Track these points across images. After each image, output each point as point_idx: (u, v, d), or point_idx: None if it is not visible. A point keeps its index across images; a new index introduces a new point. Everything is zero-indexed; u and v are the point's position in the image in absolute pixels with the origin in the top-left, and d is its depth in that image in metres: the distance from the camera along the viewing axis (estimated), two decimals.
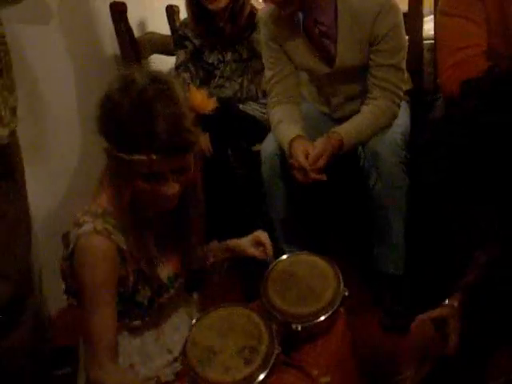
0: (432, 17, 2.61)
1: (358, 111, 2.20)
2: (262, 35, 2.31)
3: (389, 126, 2.15)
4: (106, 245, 1.28)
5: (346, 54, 2.17)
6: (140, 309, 1.38)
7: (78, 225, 1.30)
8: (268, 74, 2.33)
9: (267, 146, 2.28)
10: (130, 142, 1.19)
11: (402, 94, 2.18)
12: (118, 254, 1.30)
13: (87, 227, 1.28)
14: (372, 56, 2.15)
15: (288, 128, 2.19)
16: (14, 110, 1.78)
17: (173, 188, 1.27)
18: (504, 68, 0.96)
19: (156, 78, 1.23)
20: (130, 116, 1.18)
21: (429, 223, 1.85)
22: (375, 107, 2.15)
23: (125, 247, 1.30)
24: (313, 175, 2.00)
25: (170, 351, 1.45)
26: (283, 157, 2.18)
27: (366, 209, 2.22)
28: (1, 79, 1.70)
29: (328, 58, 2.22)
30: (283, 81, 2.32)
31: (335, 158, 2.06)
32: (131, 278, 1.34)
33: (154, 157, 1.19)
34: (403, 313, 2.13)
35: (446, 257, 1.75)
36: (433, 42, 2.56)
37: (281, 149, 2.19)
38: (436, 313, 1.31)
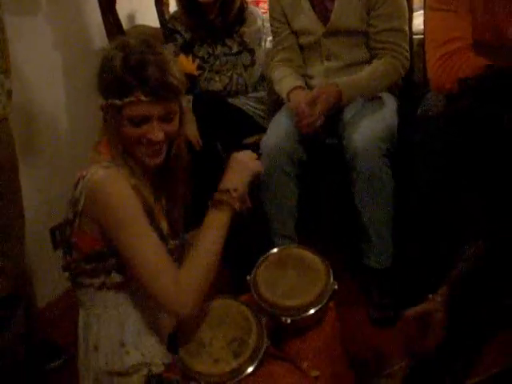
0: (422, 12, 2.61)
1: None
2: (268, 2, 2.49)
3: (395, 81, 2.27)
4: (120, 174, 1.34)
5: (342, 13, 2.27)
6: None
7: (83, 176, 1.34)
8: (274, 41, 2.54)
9: (267, 140, 2.30)
10: (123, 87, 1.32)
11: (406, 53, 2.26)
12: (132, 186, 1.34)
13: (94, 169, 1.33)
14: (372, 22, 2.25)
15: (290, 81, 2.36)
16: (9, 94, 1.78)
17: (157, 133, 1.35)
18: (501, 66, 0.96)
19: (146, 40, 1.39)
20: (123, 65, 1.32)
21: (419, 218, 1.86)
22: (375, 62, 2.26)
23: (132, 183, 1.34)
24: (311, 119, 2.11)
25: (159, 334, 1.44)
26: (283, 150, 2.23)
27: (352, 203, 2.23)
28: None
29: (324, 16, 2.33)
30: (286, 49, 2.48)
31: (335, 108, 2.18)
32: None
33: (143, 98, 1.31)
34: (390, 306, 2.15)
35: (434, 251, 1.76)
36: (422, 36, 2.56)
37: (281, 142, 2.24)
38: (421, 308, 1.31)
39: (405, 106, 2.36)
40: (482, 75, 0.98)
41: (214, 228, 1.38)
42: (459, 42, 1.89)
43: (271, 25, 2.54)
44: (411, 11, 2.50)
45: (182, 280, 1.30)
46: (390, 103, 2.31)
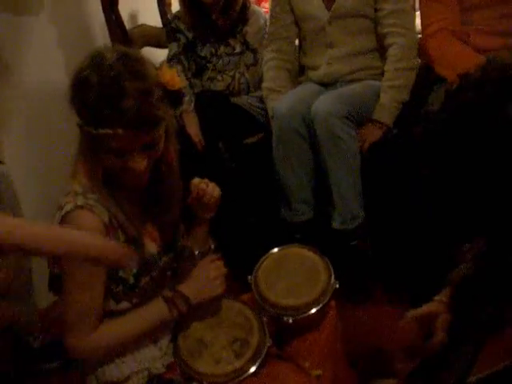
0: None
1: (351, 71, 2.42)
2: None
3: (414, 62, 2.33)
4: (90, 218, 1.27)
5: None
6: (125, 286, 1.36)
7: (60, 208, 1.29)
8: (270, 29, 2.57)
9: (281, 104, 2.36)
10: (97, 116, 1.19)
11: (416, 36, 2.34)
12: (103, 229, 1.29)
13: (69, 206, 1.28)
14: (378, 5, 2.31)
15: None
16: None
17: (139, 164, 1.26)
18: (502, 60, 0.96)
19: (125, 55, 1.24)
20: (98, 92, 1.19)
21: (420, 215, 1.86)
22: (392, 59, 2.33)
23: (107, 221, 1.29)
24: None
25: (157, 344, 1.45)
26: (296, 112, 2.30)
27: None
28: None
29: (329, 0, 2.38)
30: (283, 40, 2.55)
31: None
32: None
33: (120, 131, 1.19)
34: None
35: (434, 250, 1.76)
36: None
37: (294, 105, 2.31)
38: (425, 309, 1.31)
39: (408, 104, 2.37)
40: (482, 69, 0.98)
41: (152, 318, 1.40)
42: (436, 25, 2.19)
43: (272, 11, 2.56)
44: (413, 11, 2.51)
45: (95, 335, 1.33)
46: (368, 86, 2.38)
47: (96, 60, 1.23)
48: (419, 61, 2.34)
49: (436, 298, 1.32)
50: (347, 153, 2.21)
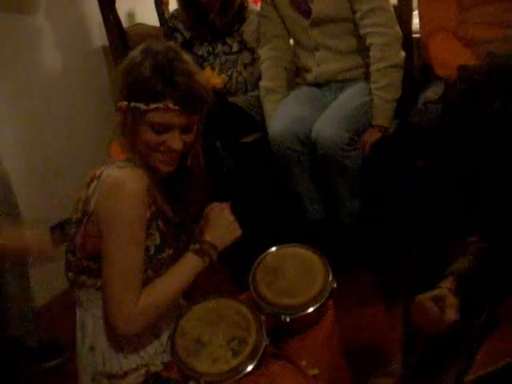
0: None
1: (341, 70, 2.47)
2: None
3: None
4: (135, 175, 1.31)
5: (322, 4, 2.34)
6: (146, 255, 1.36)
7: (94, 176, 1.33)
8: (262, 28, 2.60)
9: (274, 126, 2.40)
10: (151, 92, 1.30)
11: (396, 32, 2.33)
12: (145, 187, 1.32)
13: (109, 169, 1.32)
14: (355, 6, 2.32)
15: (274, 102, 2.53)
16: None
17: (177, 142, 1.35)
18: (502, 53, 0.96)
19: (172, 47, 1.38)
20: (153, 71, 1.30)
21: (419, 209, 1.86)
22: (372, 60, 2.33)
23: (148, 182, 1.33)
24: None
25: (159, 338, 1.45)
26: (289, 132, 2.34)
27: None
28: None
29: (306, 10, 2.41)
30: (276, 38, 2.58)
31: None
32: (148, 215, 1.34)
33: (171, 105, 1.30)
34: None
35: (435, 241, 1.76)
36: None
37: (286, 125, 2.35)
38: (434, 292, 1.31)
39: (406, 104, 2.37)
40: (482, 63, 0.98)
41: (187, 271, 1.42)
42: (435, 22, 2.20)
43: (262, 10, 2.60)
44: (411, 10, 2.51)
45: (140, 303, 1.32)
46: (363, 94, 2.39)
47: (149, 48, 1.35)
48: (403, 55, 2.33)
49: (442, 284, 1.32)
50: (349, 170, 2.28)
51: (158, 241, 1.39)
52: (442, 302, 1.29)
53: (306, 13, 2.41)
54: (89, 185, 1.33)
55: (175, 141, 1.34)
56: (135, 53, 1.36)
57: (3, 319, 1.89)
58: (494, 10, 2.13)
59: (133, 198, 1.29)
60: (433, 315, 1.29)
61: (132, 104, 1.32)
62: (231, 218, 1.50)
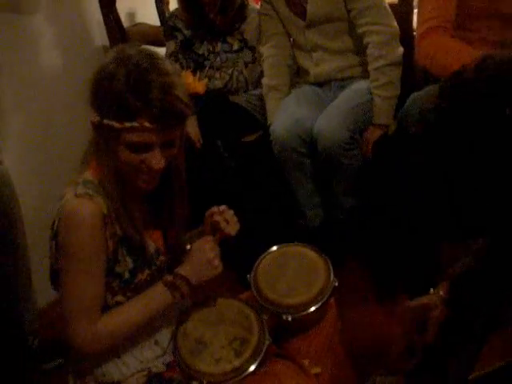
0: None
1: (340, 68, 2.47)
2: None
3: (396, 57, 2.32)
4: (89, 206, 1.25)
5: (316, 5, 2.34)
6: (120, 281, 1.35)
7: (61, 198, 1.29)
8: (263, 26, 2.61)
9: (277, 126, 2.38)
10: (124, 109, 1.20)
11: (394, 29, 2.31)
12: (101, 218, 1.28)
13: (68, 195, 1.27)
14: (349, 5, 2.31)
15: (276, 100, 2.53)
16: None
17: (159, 161, 1.27)
18: (497, 58, 0.95)
19: (148, 53, 1.26)
20: (126, 85, 1.19)
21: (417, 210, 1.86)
22: (370, 59, 2.33)
23: (106, 212, 1.28)
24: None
25: (157, 342, 1.45)
26: (292, 133, 2.32)
27: None
28: None
29: (302, 12, 2.41)
30: (276, 35, 2.58)
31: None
32: (110, 245, 1.31)
33: (146, 124, 1.20)
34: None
35: (431, 246, 1.76)
36: None
37: (289, 126, 2.33)
38: (421, 301, 1.32)
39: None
40: (476, 67, 0.97)
41: (156, 303, 1.38)
42: (437, 20, 2.05)
43: (261, 8, 2.61)
44: (412, 8, 2.50)
45: (99, 326, 1.31)
46: (366, 89, 2.39)
47: (122, 56, 1.23)
48: (401, 51, 2.32)
49: (432, 291, 1.33)
50: (348, 169, 2.29)
51: (130, 265, 1.37)
52: (426, 313, 1.30)
53: (302, 14, 2.42)
54: (58, 201, 1.30)
55: (156, 160, 1.26)
56: (107, 60, 1.25)
57: (19, 317, 1.89)
58: (499, 23, 2.05)
59: (84, 230, 1.25)
60: (411, 329, 1.30)
61: (105, 121, 1.22)
62: (212, 254, 1.41)
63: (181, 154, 1.38)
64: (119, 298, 1.37)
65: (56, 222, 1.29)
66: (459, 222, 1.05)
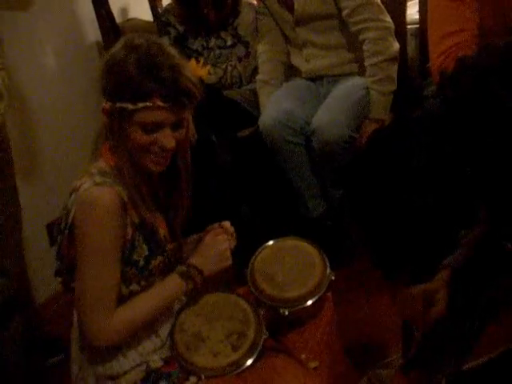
0: (416, 1, 2.60)
1: (332, 65, 2.47)
2: None
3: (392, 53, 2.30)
4: (110, 194, 1.28)
5: (304, 2, 2.35)
6: (136, 268, 1.37)
7: (76, 188, 1.30)
8: (259, 23, 2.62)
9: (265, 117, 2.39)
10: (137, 91, 1.25)
11: (385, 23, 2.30)
12: (121, 205, 1.30)
13: (86, 184, 1.29)
14: (340, 4, 2.31)
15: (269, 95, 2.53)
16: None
17: (170, 141, 1.31)
18: (500, 44, 0.95)
19: (156, 41, 1.32)
20: (138, 68, 1.24)
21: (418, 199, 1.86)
22: (366, 55, 2.32)
23: (125, 198, 1.30)
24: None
25: (157, 335, 1.44)
26: (282, 123, 2.33)
27: None
28: None
29: (291, 7, 2.41)
30: (271, 32, 2.59)
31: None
32: (130, 232, 1.33)
33: (159, 103, 1.25)
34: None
35: (431, 236, 1.76)
36: (417, 26, 2.56)
37: (278, 116, 2.34)
38: (426, 286, 1.32)
39: (402, 97, 2.37)
40: (480, 54, 0.96)
41: (169, 292, 1.42)
42: (463, 35, 1.80)
43: (257, 6, 2.64)
44: (404, 2, 2.50)
45: (115, 318, 1.32)
46: (362, 86, 2.38)
47: (131, 44, 1.29)
48: (397, 46, 2.30)
49: (436, 277, 1.33)
50: (339, 163, 2.28)
51: (146, 252, 1.38)
52: (432, 295, 1.30)
53: (292, 10, 2.41)
54: (70, 195, 1.31)
55: (168, 139, 1.30)
56: (117, 48, 1.30)
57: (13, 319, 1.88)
58: None
59: (105, 219, 1.27)
60: (418, 310, 1.30)
61: (118, 104, 1.27)
62: (224, 246, 1.47)
63: (186, 140, 1.42)
64: (133, 287, 1.38)
65: (72, 213, 1.29)
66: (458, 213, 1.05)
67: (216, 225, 1.54)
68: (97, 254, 1.28)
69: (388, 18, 2.30)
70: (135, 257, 1.36)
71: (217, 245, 1.47)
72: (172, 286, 1.41)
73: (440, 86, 1.03)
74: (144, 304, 1.37)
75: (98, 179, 1.29)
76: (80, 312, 1.32)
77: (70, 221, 1.30)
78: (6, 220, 1.83)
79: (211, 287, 1.53)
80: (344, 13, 2.31)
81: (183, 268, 1.42)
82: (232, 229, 1.54)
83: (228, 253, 1.47)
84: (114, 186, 1.29)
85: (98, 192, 1.27)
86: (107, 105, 1.29)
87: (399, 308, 1.40)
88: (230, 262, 1.47)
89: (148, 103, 1.25)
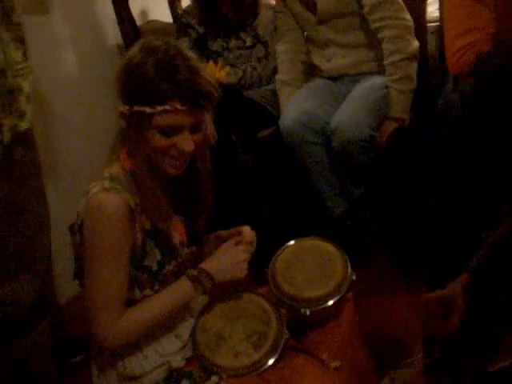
0: None
1: (353, 64, 2.46)
2: None
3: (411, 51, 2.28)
4: (117, 200, 1.27)
5: (327, 1, 2.34)
6: (148, 274, 1.37)
7: (87, 192, 1.31)
8: (279, 23, 2.61)
9: (285, 117, 2.40)
10: (155, 94, 1.24)
11: (405, 21, 2.28)
12: (128, 212, 1.29)
13: (95, 189, 1.29)
14: (362, 1, 2.29)
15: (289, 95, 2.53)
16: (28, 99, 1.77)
17: (189, 144, 1.30)
18: None
19: (174, 43, 1.32)
20: (156, 71, 1.24)
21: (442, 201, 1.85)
22: (386, 53, 2.31)
23: (133, 206, 1.30)
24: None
25: (177, 336, 1.45)
26: (302, 123, 2.33)
27: None
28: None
29: (313, 7, 2.40)
30: (291, 31, 2.58)
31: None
32: (139, 237, 1.33)
33: (178, 106, 1.24)
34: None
35: (454, 237, 1.75)
36: (438, 24, 2.54)
37: (299, 116, 2.34)
38: (442, 292, 1.31)
39: (422, 95, 2.36)
40: (500, 49, 0.95)
41: (177, 296, 1.40)
42: (481, 32, 1.81)
43: (276, 5, 2.62)
44: (424, 0, 2.49)
45: (123, 320, 1.32)
46: (380, 87, 2.37)
47: (149, 46, 1.29)
48: (416, 44, 2.29)
49: (453, 283, 1.32)
50: (360, 163, 2.28)
51: (158, 257, 1.39)
52: (450, 303, 1.29)
53: (313, 9, 2.41)
54: (83, 195, 1.32)
55: (186, 142, 1.30)
56: (134, 52, 1.30)
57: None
58: None
59: (109, 225, 1.27)
60: (434, 319, 1.30)
61: (135, 108, 1.26)
62: (242, 257, 1.45)
63: (206, 141, 1.43)
64: (147, 291, 1.39)
65: (81, 216, 1.30)
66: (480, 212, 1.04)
67: (237, 229, 1.54)
68: (102, 258, 1.29)
69: (408, 16, 2.28)
70: (147, 262, 1.37)
71: (235, 254, 1.45)
72: (181, 289, 1.40)
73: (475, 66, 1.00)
74: (152, 307, 1.37)
75: (106, 184, 1.29)
76: (90, 315, 1.33)
77: (79, 223, 1.31)
78: (34, 219, 1.85)
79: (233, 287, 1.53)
80: (365, 10, 2.30)
81: (194, 272, 1.41)
82: (252, 235, 1.53)
83: (245, 265, 1.45)
84: (121, 193, 1.29)
85: (103, 198, 1.27)
86: (124, 108, 1.29)
87: (418, 313, 1.40)
88: (244, 273, 1.45)
89: (166, 106, 1.24)
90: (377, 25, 2.29)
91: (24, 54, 1.77)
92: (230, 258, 1.44)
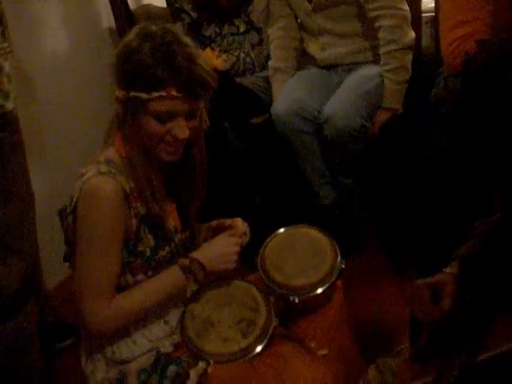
0: None
1: (348, 53, 2.45)
2: None
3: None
4: (112, 184, 1.28)
5: None
6: (142, 259, 1.37)
7: (82, 175, 1.31)
8: (272, 8, 2.58)
9: (277, 105, 2.40)
10: (152, 80, 1.24)
11: (402, 11, 2.27)
12: (123, 197, 1.30)
13: (90, 172, 1.29)
14: None
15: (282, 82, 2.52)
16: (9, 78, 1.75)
17: (184, 130, 1.30)
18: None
19: (170, 29, 1.31)
20: (152, 57, 1.23)
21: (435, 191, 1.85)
22: (381, 43, 2.30)
23: (128, 190, 1.31)
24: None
25: (166, 322, 1.45)
26: (293, 111, 2.33)
27: None
28: None
29: None
30: (285, 17, 2.55)
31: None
32: (134, 223, 1.34)
33: (174, 92, 1.24)
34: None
35: (443, 226, 1.75)
36: (432, 14, 2.54)
37: (291, 104, 2.34)
38: (433, 278, 1.32)
39: (415, 85, 2.36)
40: (494, 40, 0.95)
41: (169, 284, 1.40)
42: (475, 24, 1.80)
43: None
44: None
45: (112, 306, 1.32)
46: (373, 77, 2.37)
47: (145, 32, 1.28)
48: (412, 35, 2.29)
49: (447, 270, 1.33)
50: (350, 152, 2.30)
51: (152, 242, 1.39)
52: (440, 288, 1.30)
53: None
54: (77, 181, 1.32)
55: (181, 129, 1.30)
56: (131, 37, 1.29)
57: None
58: None
59: (104, 209, 1.27)
60: (425, 304, 1.30)
61: (132, 93, 1.26)
62: (234, 249, 1.45)
63: (201, 130, 1.42)
64: (140, 277, 1.39)
65: (75, 198, 1.30)
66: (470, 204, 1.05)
67: (229, 221, 1.55)
68: (94, 241, 1.29)
69: (405, 6, 2.28)
70: (141, 248, 1.36)
71: (227, 245, 1.45)
72: (172, 278, 1.40)
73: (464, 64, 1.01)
74: (142, 294, 1.37)
75: (102, 168, 1.29)
76: (79, 300, 1.32)
77: (73, 205, 1.31)
78: (19, 202, 1.84)
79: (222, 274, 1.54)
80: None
81: (186, 261, 1.40)
82: (245, 226, 1.54)
83: (235, 257, 1.45)
84: (116, 177, 1.29)
85: (99, 181, 1.27)
86: (120, 93, 1.29)
87: (407, 299, 1.40)
88: (233, 265, 1.45)
89: (163, 92, 1.24)
90: (374, 14, 2.28)
91: (3, 33, 1.73)
92: (221, 248, 1.44)
